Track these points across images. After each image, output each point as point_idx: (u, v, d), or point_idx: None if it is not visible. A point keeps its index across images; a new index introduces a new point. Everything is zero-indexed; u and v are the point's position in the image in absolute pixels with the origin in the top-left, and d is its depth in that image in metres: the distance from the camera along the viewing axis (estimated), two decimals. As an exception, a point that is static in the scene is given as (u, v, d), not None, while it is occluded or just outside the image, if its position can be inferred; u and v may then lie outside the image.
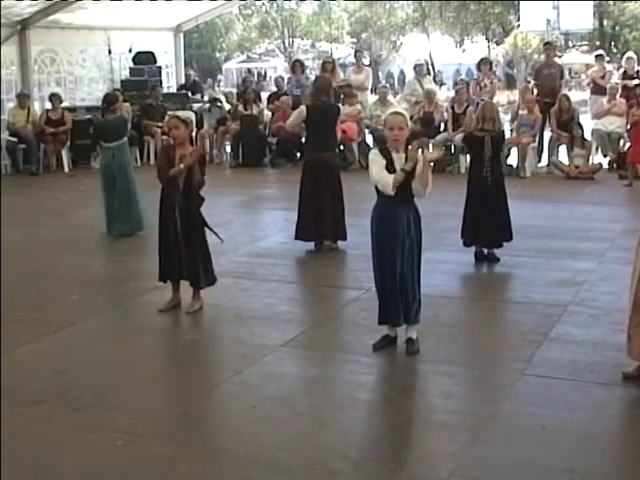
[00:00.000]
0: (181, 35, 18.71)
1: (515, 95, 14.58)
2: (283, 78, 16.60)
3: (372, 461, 4.11)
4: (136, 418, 4.59)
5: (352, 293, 6.89)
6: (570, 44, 40.23)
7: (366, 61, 23.55)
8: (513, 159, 13.05)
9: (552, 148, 13.30)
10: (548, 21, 18.43)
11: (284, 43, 44.32)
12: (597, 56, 15.88)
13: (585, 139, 12.85)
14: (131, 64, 16.49)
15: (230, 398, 4.92)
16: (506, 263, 7.61)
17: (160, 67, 16.81)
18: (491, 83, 14.45)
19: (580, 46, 40.55)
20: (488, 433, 4.35)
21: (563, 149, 13.23)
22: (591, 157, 12.95)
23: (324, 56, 25.33)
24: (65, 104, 15.42)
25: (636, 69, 14.50)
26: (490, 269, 7.60)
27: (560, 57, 17.79)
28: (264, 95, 16.78)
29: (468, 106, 13.17)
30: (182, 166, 6.16)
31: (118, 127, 9.25)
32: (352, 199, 8.38)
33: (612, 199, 10.83)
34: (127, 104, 14.15)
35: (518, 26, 29.37)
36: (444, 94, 22.37)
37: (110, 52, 16.38)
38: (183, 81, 18.29)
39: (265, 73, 42.65)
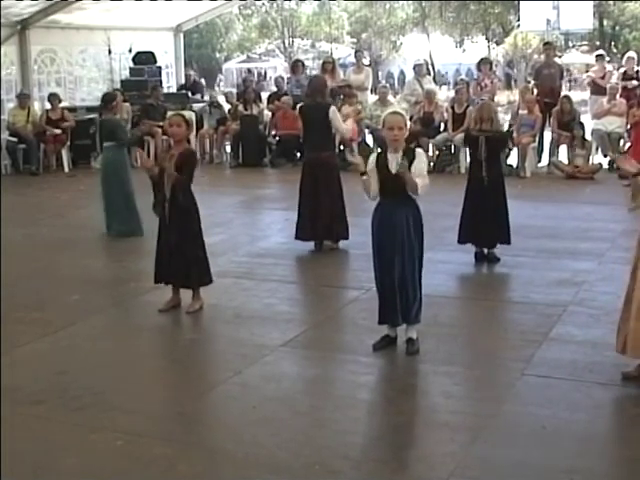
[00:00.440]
0: (181, 35, 18.72)
1: (515, 95, 14.57)
2: (283, 78, 16.60)
3: (372, 461, 4.11)
4: (136, 418, 4.59)
5: (352, 293, 6.89)
6: (570, 44, 40.22)
7: (366, 61, 23.56)
8: (513, 159, 13.05)
9: (552, 148, 13.30)
10: (548, 21, 18.42)
11: (284, 43, 44.33)
12: (597, 56, 15.88)
13: (585, 139, 12.85)
14: (131, 64, 16.49)
15: (230, 398, 4.92)
16: (506, 263, 7.61)
17: (160, 67, 16.80)
18: (492, 83, 14.45)
19: (580, 46, 40.54)
20: (488, 433, 4.35)
21: (563, 149, 13.23)
22: (591, 157, 12.95)
23: (324, 56, 25.34)
24: (65, 104, 15.43)
25: (636, 69, 14.51)
26: (490, 269, 7.60)
27: (560, 57, 17.76)
28: (264, 95, 16.77)
29: (468, 106, 13.17)
30: (156, 170, 6.26)
31: (113, 128, 9.21)
32: (352, 199, 8.37)
33: (612, 199, 10.81)
34: (127, 104, 14.17)
35: (518, 26, 29.35)
36: (444, 94, 22.37)
37: (110, 52, 16.39)
38: (183, 81, 18.29)
39: (265, 73, 42.65)
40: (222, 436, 4.45)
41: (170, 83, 18.03)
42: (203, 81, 20.16)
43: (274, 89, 16.54)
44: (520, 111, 13.42)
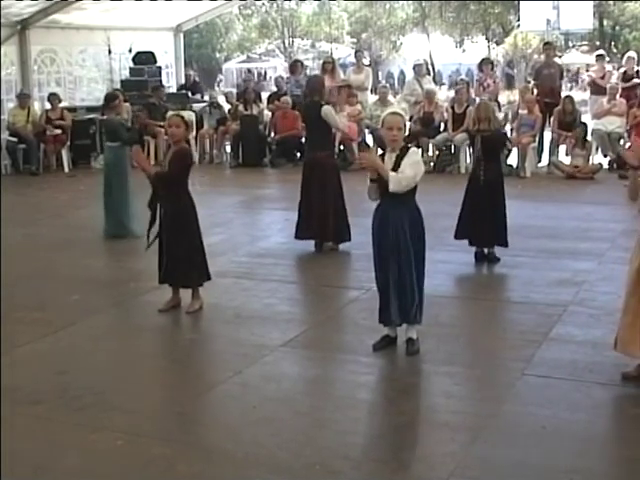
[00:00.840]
0: (181, 35, 18.71)
1: (515, 95, 14.57)
2: (283, 78, 16.60)
3: (373, 461, 4.11)
4: (136, 418, 4.59)
5: (352, 293, 6.89)
6: (570, 44, 40.22)
7: (366, 61, 23.55)
8: (513, 159, 13.05)
9: (552, 148, 13.30)
10: (548, 21, 18.42)
11: (284, 43, 44.33)
12: (598, 56, 15.89)
13: (586, 139, 12.85)
14: (131, 64, 16.49)
15: (230, 398, 4.92)
16: (506, 263, 7.61)
17: (160, 67, 16.80)
18: (494, 83, 14.46)
19: (580, 46, 40.54)
20: (488, 433, 4.35)
21: (563, 149, 13.23)
22: (591, 157, 12.95)
23: (324, 56, 25.33)
24: (65, 104, 15.43)
25: (636, 69, 14.51)
26: (490, 269, 7.60)
27: (560, 57, 17.77)
28: (264, 95, 16.78)
29: (468, 106, 13.16)
30: (149, 171, 6.30)
31: (113, 128, 9.23)
32: (352, 199, 8.37)
33: (612, 199, 10.81)
34: (127, 104, 14.16)
35: (518, 26, 29.36)
36: (444, 94, 22.36)
37: (110, 52, 16.40)
38: (183, 81, 18.29)
39: (265, 73, 42.65)
40: (222, 436, 4.45)
41: (170, 83, 18.02)
42: (197, 78, 20.13)
43: (274, 89, 16.55)
44: (520, 111, 13.42)
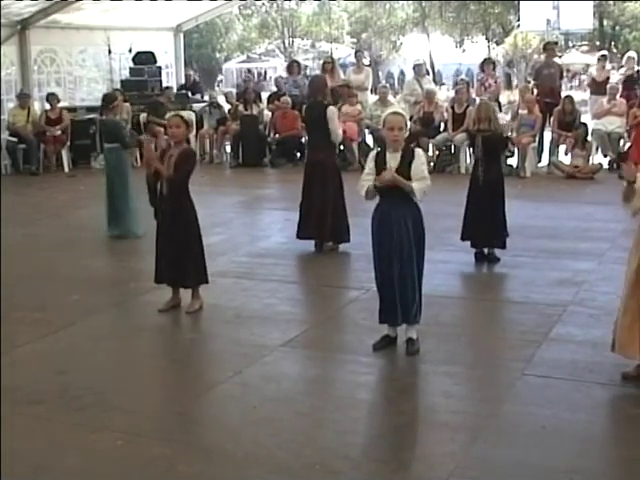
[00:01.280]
0: (181, 35, 18.71)
1: (515, 95, 14.57)
2: (283, 78, 16.60)
3: (373, 461, 4.11)
4: (136, 418, 4.59)
5: (352, 293, 6.89)
6: (570, 44, 40.21)
7: (366, 61, 23.55)
8: (513, 159, 13.05)
9: (552, 148, 13.30)
10: (548, 21, 18.43)
11: (284, 43, 44.30)
12: (600, 57, 15.91)
13: (586, 140, 12.85)
14: (131, 64, 16.49)
15: (230, 398, 4.92)
16: (506, 263, 7.61)
17: (160, 67, 16.80)
18: (495, 83, 14.46)
19: (580, 46, 40.52)
20: (488, 433, 4.35)
21: (563, 149, 13.23)
22: (591, 157, 12.95)
23: (324, 56, 25.32)
24: (64, 104, 15.43)
25: (636, 69, 14.51)
26: (490, 269, 7.60)
27: (560, 57, 17.77)
28: (264, 95, 16.78)
29: (468, 106, 13.16)
30: (151, 168, 6.29)
31: (108, 130, 9.23)
32: (352, 199, 8.35)
33: (612, 199, 10.74)
34: (127, 104, 14.17)
35: (518, 26, 29.34)
36: (444, 94, 22.36)
37: (110, 52, 16.39)
38: (183, 81, 18.29)
39: (265, 73, 42.62)
40: (222, 436, 4.45)
41: (170, 83, 18.03)
42: (197, 78, 20.13)
43: (274, 89, 16.54)
44: (520, 111, 13.42)
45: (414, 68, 15.34)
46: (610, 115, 13.33)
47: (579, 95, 20.43)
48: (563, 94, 14.15)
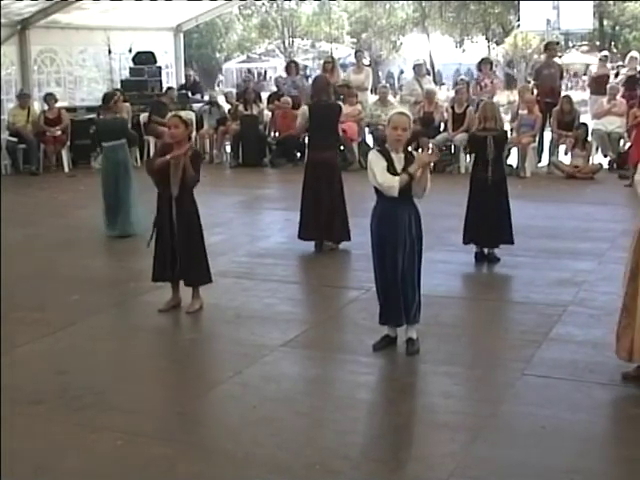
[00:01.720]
0: (181, 35, 18.70)
1: (515, 95, 14.58)
2: (283, 78, 16.61)
3: (372, 461, 4.11)
4: (136, 418, 4.59)
5: (352, 293, 6.89)
6: (570, 44, 40.21)
7: (366, 61, 23.54)
8: (513, 159, 13.05)
9: (552, 148, 13.30)
10: (548, 21, 18.44)
11: (284, 43, 44.29)
12: (601, 57, 15.93)
13: (586, 140, 12.85)
14: (131, 64, 16.49)
15: (230, 398, 4.92)
16: (506, 263, 7.61)
17: (160, 67, 16.81)
18: (491, 83, 14.45)
19: (580, 46, 40.53)
20: (488, 433, 4.35)
21: (563, 149, 13.23)
22: (591, 157, 12.95)
23: (324, 56, 25.32)
24: (64, 104, 15.43)
25: (639, 69, 14.52)
26: (490, 269, 7.60)
27: (560, 57, 17.79)
28: (264, 95, 16.78)
29: (468, 106, 13.18)
30: (168, 157, 6.19)
31: (113, 128, 9.25)
32: (352, 199, 8.37)
33: (612, 199, 10.82)
34: (127, 104, 14.17)
35: (518, 26, 29.35)
36: (444, 94, 22.36)
37: (110, 52, 16.39)
38: (183, 81, 18.29)
39: (265, 73, 42.62)
40: (222, 436, 4.45)
41: (170, 83, 18.02)
42: (197, 78, 20.12)
43: (274, 89, 16.55)
44: (520, 111, 13.42)
45: (414, 68, 15.34)
46: (610, 115, 13.33)
47: (579, 95, 20.45)
48: (563, 94, 14.15)
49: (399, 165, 5.27)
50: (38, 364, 5.46)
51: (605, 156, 13.24)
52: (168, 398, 4.99)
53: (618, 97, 13.56)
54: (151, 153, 14.60)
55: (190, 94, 17.04)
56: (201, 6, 17.69)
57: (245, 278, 7.38)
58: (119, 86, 15.72)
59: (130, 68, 16.51)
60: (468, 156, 12.57)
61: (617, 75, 15.38)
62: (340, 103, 8.40)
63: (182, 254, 6.32)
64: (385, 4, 42.44)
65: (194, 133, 14.12)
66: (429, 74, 17.12)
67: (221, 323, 6.28)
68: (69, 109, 15.31)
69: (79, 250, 8.65)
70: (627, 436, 4.40)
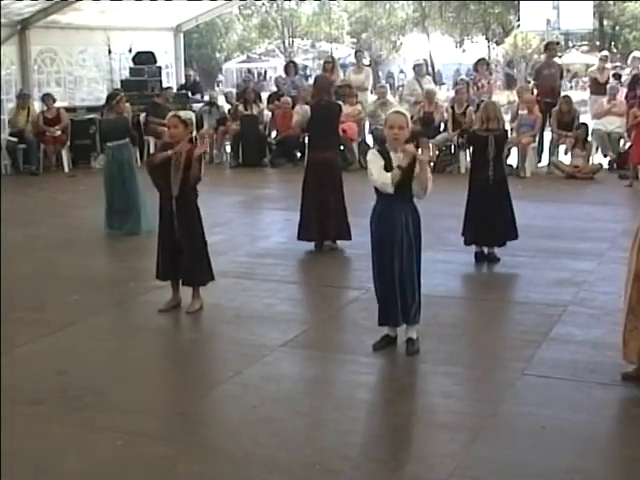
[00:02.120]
0: (181, 35, 18.69)
1: (515, 95, 14.58)
2: (282, 78, 16.61)
3: (372, 461, 4.11)
4: (136, 418, 4.59)
5: (352, 293, 6.89)
6: (570, 44, 40.21)
7: (366, 61, 23.54)
8: (513, 159, 13.05)
9: (552, 148, 13.30)
10: (548, 21, 18.45)
11: (284, 43, 44.30)
12: (601, 57, 15.94)
13: (586, 140, 12.85)
14: (131, 64, 16.49)
15: (230, 398, 4.92)
16: (506, 263, 7.61)
17: (160, 67, 16.80)
18: (488, 83, 14.46)
19: (580, 46, 40.53)
20: (488, 433, 4.35)
21: (563, 149, 13.23)
22: (591, 157, 12.95)
23: (324, 56, 25.32)
24: (64, 104, 15.43)
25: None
26: (490, 269, 7.60)
27: (560, 57, 17.80)
28: (264, 95, 16.78)
29: (468, 106, 13.18)
30: (170, 152, 6.20)
31: (117, 127, 9.27)
32: (352, 199, 8.37)
33: (612, 199, 10.82)
34: (127, 104, 14.15)
35: (518, 26, 29.36)
36: (444, 94, 22.36)
37: (110, 52, 16.39)
38: (183, 81, 18.29)
39: (265, 73, 42.62)
40: (222, 436, 4.45)
41: (170, 83, 18.02)
42: (197, 78, 20.10)
43: (274, 89, 16.55)
44: (520, 111, 13.42)
45: (414, 68, 15.35)
46: (610, 115, 13.34)
47: (579, 95, 20.45)
48: (563, 94, 14.16)
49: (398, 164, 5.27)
50: (38, 364, 5.46)
51: (605, 156, 13.24)
52: (168, 398, 4.99)
53: (619, 97, 13.56)
54: (151, 153, 14.63)
55: (190, 94, 17.03)
56: (201, 6, 17.68)
57: (245, 278, 7.38)
58: (119, 86, 15.71)
59: (130, 68, 16.51)
60: (468, 156, 12.57)
61: (615, 75, 15.34)
62: (340, 103, 8.36)
63: (183, 253, 6.32)
64: (385, 4, 42.44)
65: (194, 133, 14.16)
66: (429, 74, 17.13)
67: (221, 323, 6.28)
68: (69, 109, 15.30)
69: (79, 250, 8.65)
70: (628, 436, 4.40)
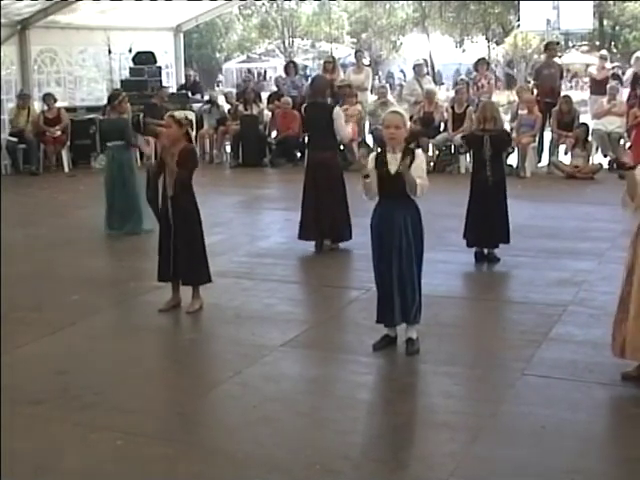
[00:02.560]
0: (181, 35, 18.69)
1: (515, 95, 14.59)
2: (282, 78, 16.62)
3: (372, 461, 4.11)
4: (136, 418, 4.59)
5: (353, 293, 6.89)
6: (570, 44, 40.22)
7: (366, 61, 23.55)
8: (513, 159, 13.05)
9: (552, 148, 13.30)
10: (548, 21, 18.44)
11: (284, 43, 44.32)
12: (601, 56, 15.95)
13: (587, 140, 12.85)
14: (131, 64, 16.49)
15: (230, 398, 4.92)
16: (506, 263, 7.61)
17: (160, 67, 16.80)
18: (488, 83, 14.46)
19: (580, 46, 40.54)
20: (488, 433, 4.35)
21: (563, 149, 13.23)
22: (591, 157, 12.95)
23: (324, 56, 25.32)
24: (64, 104, 15.43)
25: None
26: (490, 269, 7.60)
27: (560, 57, 17.81)
28: (264, 95, 16.78)
29: (468, 106, 13.18)
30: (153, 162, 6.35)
31: (118, 127, 9.29)
32: (353, 199, 8.36)
33: (612, 199, 10.73)
34: (128, 104, 14.16)
35: (518, 26, 29.37)
36: (444, 94, 22.36)
37: (110, 52, 16.38)
38: (183, 81, 18.29)
39: (265, 73, 42.62)
40: (222, 436, 4.45)
41: (170, 83, 18.02)
42: (197, 78, 20.09)
43: (274, 89, 16.55)
44: (520, 111, 13.43)
45: (414, 68, 15.35)
46: (610, 115, 13.33)
47: (579, 95, 20.45)
48: (563, 94, 14.16)
49: (394, 165, 5.27)
50: (38, 364, 5.46)
51: (605, 156, 13.24)
52: (168, 398, 4.99)
53: (619, 97, 13.57)
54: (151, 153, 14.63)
55: (190, 94, 17.03)
56: (201, 6, 17.68)
57: (245, 278, 7.38)
58: (119, 86, 15.70)
59: (130, 68, 16.50)
60: (468, 156, 12.57)
61: (614, 76, 15.34)
62: (334, 105, 8.28)
63: (180, 253, 6.33)
64: (385, 4, 42.46)
65: (194, 133, 14.16)
66: (429, 74, 17.13)
67: (221, 323, 6.28)
68: (69, 109, 15.31)
69: (79, 250, 8.65)
70: (627, 436, 4.39)
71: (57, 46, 16.25)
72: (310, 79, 10.71)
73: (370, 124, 14.28)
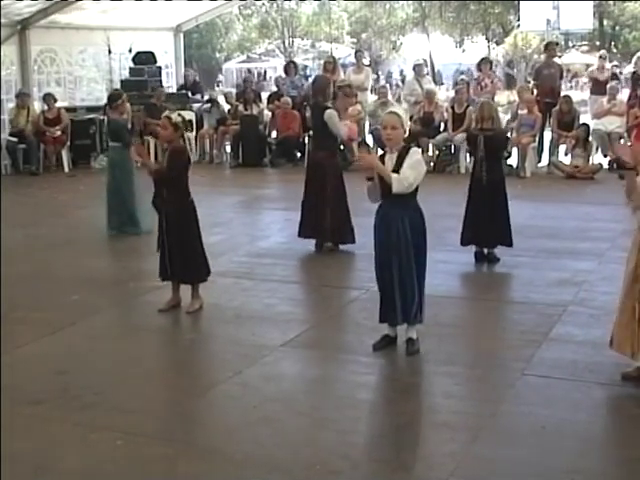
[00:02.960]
0: (181, 35, 18.70)
1: (515, 95, 14.59)
2: (282, 78, 16.62)
3: (373, 461, 4.11)
4: (136, 418, 4.59)
5: (353, 293, 6.89)
6: (570, 44, 40.23)
7: (366, 61, 23.55)
8: (513, 159, 13.05)
9: (552, 148, 13.30)
10: (548, 21, 18.46)
11: (284, 43, 44.35)
12: (601, 56, 15.96)
13: (587, 140, 12.85)
14: (131, 64, 16.49)
15: (230, 398, 4.92)
16: (506, 263, 7.61)
17: (160, 67, 16.80)
18: (492, 83, 14.46)
19: (580, 46, 40.55)
20: (488, 433, 4.35)
21: (563, 149, 13.23)
22: (591, 157, 12.95)
23: (324, 56, 25.33)
24: (64, 104, 15.43)
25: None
26: (490, 269, 7.60)
27: (560, 57, 17.81)
28: (264, 95, 16.78)
29: (468, 106, 13.18)
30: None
31: (116, 129, 9.30)
32: (353, 199, 8.37)
33: (612, 199, 10.78)
34: (127, 104, 14.15)
35: (518, 26, 29.40)
36: (444, 94, 22.36)
37: (110, 52, 16.39)
38: (183, 81, 18.29)
39: (265, 73, 42.63)
40: (222, 436, 4.45)
41: (170, 83, 18.02)
42: (197, 78, 20.10)
43: (274, 89, 16.55)
44: (520, 111, 13.43)
45: (414, 68, 15.35)
46: (610, 115, 13.33)
47: (579, 95, 20.45)
48: (563, 94, 14.16)
49: (391, 165, 5.27)
50: (38, 364, 5.46)
51: (605, 156, 13.23)
52: (168, 398, 4.99)
53: (619, 97, 13.57)
54: (151, 152, 14.62)
55: (190, 94, 17.03)
56: (201, 6, 17.68)
57: (245, 278, 7.38)
58: (119, 86, 15.70)
59: (130, 68, 16.50)
60: (468, 156, 12.57)
61: (613, 76, 15.38)
62: (328, 106, 8.22)
63: (174, 252, 6.32)
64: (385, 4, 42.49)
65: (193, 133, 14.17)
66: (429, 74, 17.14)
67: (221, 323, 6.28)
68: (69, 109, 15.30)
69: (79, 250, 8.65)
70: (627, 436, 4.40)
71: (57, 46, 16.26)
72: (312, 79, 10.70)
73: (370, 124, 14.28)
